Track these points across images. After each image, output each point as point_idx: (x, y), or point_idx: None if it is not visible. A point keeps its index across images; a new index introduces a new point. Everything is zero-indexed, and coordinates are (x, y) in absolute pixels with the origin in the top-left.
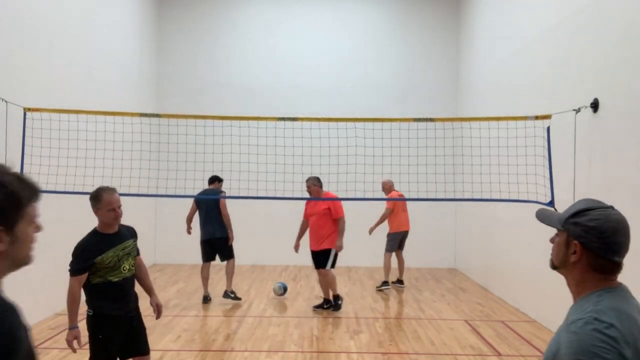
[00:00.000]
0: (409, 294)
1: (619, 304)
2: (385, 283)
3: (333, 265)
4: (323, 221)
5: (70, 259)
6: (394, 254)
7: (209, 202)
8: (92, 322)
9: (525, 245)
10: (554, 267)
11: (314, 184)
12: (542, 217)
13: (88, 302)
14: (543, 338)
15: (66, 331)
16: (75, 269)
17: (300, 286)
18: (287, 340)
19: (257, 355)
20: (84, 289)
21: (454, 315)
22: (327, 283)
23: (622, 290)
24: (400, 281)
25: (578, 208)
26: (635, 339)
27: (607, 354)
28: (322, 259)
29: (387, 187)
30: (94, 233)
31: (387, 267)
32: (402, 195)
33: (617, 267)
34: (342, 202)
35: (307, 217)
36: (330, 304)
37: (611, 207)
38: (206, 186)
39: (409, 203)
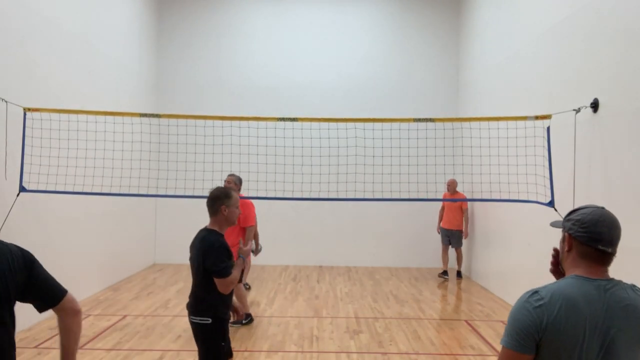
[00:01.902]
0: (408, 294)
1: (572, 289)
2: (445, 273)
3: (240, 280)
4: (230, 228)
5: (62, 262)
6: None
7: None
8: (213, 330)
9: (525, 245)
10: (560, 267)
11: (236, 182)
12: (554, 224)
13: (204, 309)
14: None
15: None
16: (230, 265)
17: (300, 286)
18: (287, 340)
19: (257, 355)
20: (205, 296)
21: (454, 315)
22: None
23: (593, 281)
24: (458, 272)
25: (572, 209)
26: (566, 322)
27: (521, 312)
28: None
29: (453, 187)
30: (215, 232)
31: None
32: (464, 195)
33: (602, 254)
34: (345, 203)
35: None
36: (250, 318)
37: (602, 208)
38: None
39: (411, 203)
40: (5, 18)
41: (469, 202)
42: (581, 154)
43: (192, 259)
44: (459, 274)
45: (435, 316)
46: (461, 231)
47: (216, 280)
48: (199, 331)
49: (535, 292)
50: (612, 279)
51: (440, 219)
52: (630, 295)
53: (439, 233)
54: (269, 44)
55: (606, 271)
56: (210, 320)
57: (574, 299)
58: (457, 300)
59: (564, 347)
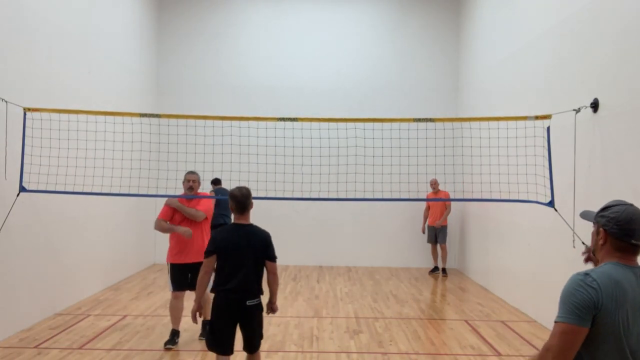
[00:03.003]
0: (408, 294)
1: (616, 273)
2: (436, 269)
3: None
4: (200, 229)
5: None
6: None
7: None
8: (261, 306)
9: (525, 245)
10: (592, 254)
11: (199, 181)
12: (584, 215)
13: (256, 292)
14: (543, 338)
15: (66, 330)
16: None
17: (300, 286)
18: (287, 340)
19: None
20: (258, 281)
21: (454, 315)
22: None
23: (630, 268)
24: (443, 269)
25: (604, 205)
26: (615, 301)
27: (579, 291)
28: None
29: (437, 185)
30: (256, 226)
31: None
32: (447, 193)
33: (633, 247)
34: (345, 203)
35: (173, 220)
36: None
37: (631, 205)
38: (207, 187)
39: (411, 203)
40: (5, 18)
41: (474, 203)
42: (581, 154)
43: (243, 250)
44: (444, 270)
45: (435, 316)
46: (446, 227)
47: (272, 265)
48: (253, 311)
49: (586, 274)
50: None
51: (425, 219)
52: None
53: (423, 233)
54: (269, 44)
55: (636, 260)
56: (259, 300)
57: (621, 282)
58: (457, 300)
59: (613, 326)
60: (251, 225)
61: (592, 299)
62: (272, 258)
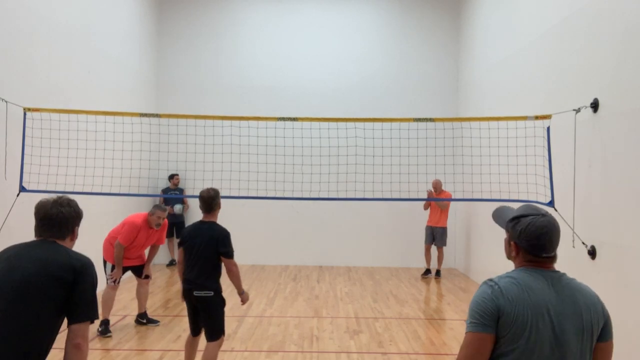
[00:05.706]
0: (408, 294)
1: (522, 277)
2: (428, 271)
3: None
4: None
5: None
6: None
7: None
8: (219, 300)
9: None
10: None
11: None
12: (495, 217)
13: (208, 285)
14: None
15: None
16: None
17: (300, 286)
18: (287, 340)
19: (257, 355)
20: (210, 274)
21: (454, 315)
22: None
23: (540, 271)
24: (438, 271)
25: (514, 214)
26: (519, 302)
27: (483, 299)
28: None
29: (439, 186)
30: (217, 224)
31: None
32: (449, 194)
33: (545, 259)
34: (345, 202)
35: (134, 242)
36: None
37: (542, 214)
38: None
39: (411, 203)
40: (5, 18)
41: (474, 203)
42: (581, 154)
43: (198, 245)
44: (438, 272)
45: (435, 316)
46: (444, 228)
47: (226, 261)
48: (202, 302)
49: (490, 279)
50: (558, 271)
51: (428, 204)
52: (576, 285)
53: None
54: (269, 44)
55: (552, 265)
56: (212, 294)
57: (527, 286)
58: (457, 300)
59: (516, 332)
60: (213, 223)
61: (495, 305)
62: (225, 254)
